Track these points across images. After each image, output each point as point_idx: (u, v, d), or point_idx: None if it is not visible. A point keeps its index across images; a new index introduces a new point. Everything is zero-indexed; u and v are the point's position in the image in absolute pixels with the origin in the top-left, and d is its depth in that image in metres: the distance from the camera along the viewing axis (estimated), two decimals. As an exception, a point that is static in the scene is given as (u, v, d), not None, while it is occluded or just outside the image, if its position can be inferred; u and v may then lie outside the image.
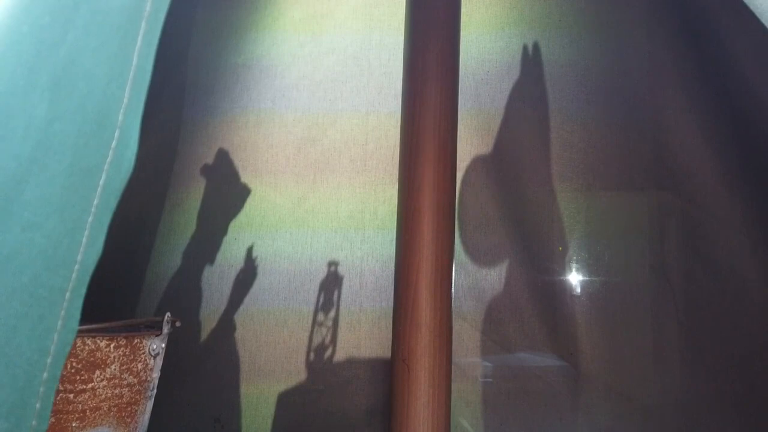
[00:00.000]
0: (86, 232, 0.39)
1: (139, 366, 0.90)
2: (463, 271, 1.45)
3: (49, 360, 0.37)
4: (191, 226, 1.46)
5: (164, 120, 1.48)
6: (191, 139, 1.49)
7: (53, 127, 0.38)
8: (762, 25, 0.60)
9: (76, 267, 0.38)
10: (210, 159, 1.47)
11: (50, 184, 0.38)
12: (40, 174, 0.37)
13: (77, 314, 0.39)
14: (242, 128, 1.48)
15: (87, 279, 0.39)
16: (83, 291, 0.39)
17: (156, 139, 1.45)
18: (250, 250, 1.45)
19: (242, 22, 1.51)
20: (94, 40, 0.40)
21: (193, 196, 1.46)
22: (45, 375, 0.37)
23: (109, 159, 0.40)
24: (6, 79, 0.37)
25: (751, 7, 0.51)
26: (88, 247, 0.39)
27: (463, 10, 1.30)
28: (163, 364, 1.03)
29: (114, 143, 0.40)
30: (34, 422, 0.36)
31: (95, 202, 0.39)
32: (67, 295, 0.38)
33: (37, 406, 0.36)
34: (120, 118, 0.41)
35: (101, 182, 0.40)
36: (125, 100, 0.41)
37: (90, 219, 0.39)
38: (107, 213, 0.40)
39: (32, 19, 0.38)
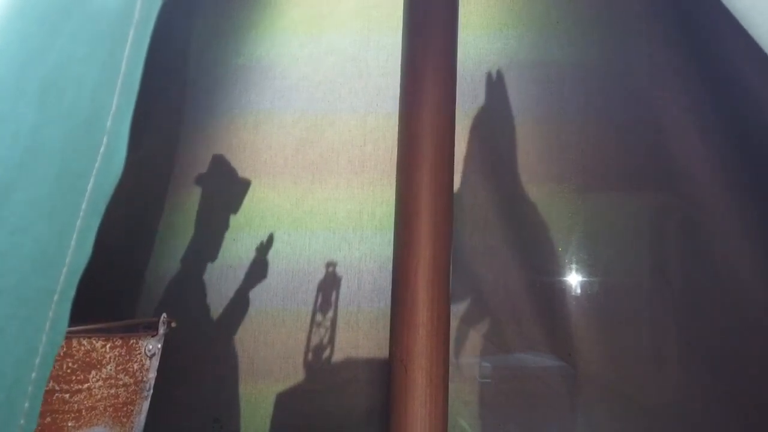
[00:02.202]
0: (74, 236, 0.40)
1: (135, 366, 0.91)
2: (461, 272, 1.45)
3: (37, 360, 0.38)
4: (190, 227, 1.47)
5: (164, 121, 1.48)
6: (191, 140, 1.50)
7: (41, 133, 0.39)
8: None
9: (65, 270, 0.39)
10: (209, 160, 1.48)
11: (38, 188, 0.38)
12: (28, 179, 0.38)
13: (66, 315, 0.40)
14: (241, 129, 1.49)
15: (75, 281, 0.40)
16: (72, 293, 0.40)
17: (156, 140, 1.46)
18: (248, 251, 1.46)
19: (242, 23, 1.52)
20: (83, 47, 0.40)
21: (192, 197, 1.47)
22: (34, 375, 0.38)
23: (97, 164, 0.41)
24: None
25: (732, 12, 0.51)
26: (76, 250, 0.40)
27: (461, 11, 1.31)
28: (162, 364, 1.04)
29: (102, 149, 0.41)
30: (22, 421, 0.37)
31: (83, 206, 0.40)
32: (56, 297, 0.39)
33: (26, 405, 0.37)
34: (108, 124, 0.41)
35: (89, 187, 0.40)
36: (114, 107, 0.42)
37: (78, 223, 0.40)
38: (96, 217, 0.41)
39: (20, 27, 0.38)
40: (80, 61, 0.40)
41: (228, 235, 1.46)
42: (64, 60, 0.39)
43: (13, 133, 0.37)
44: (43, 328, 0.38)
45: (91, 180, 0.40)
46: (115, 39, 0.42)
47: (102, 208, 0.41)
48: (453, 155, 1.25)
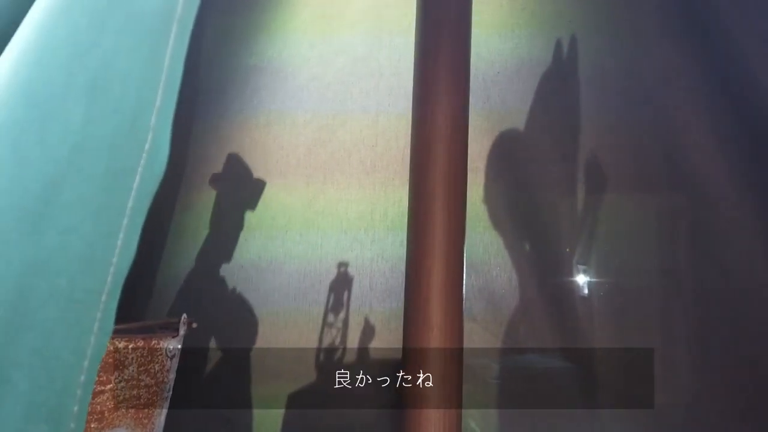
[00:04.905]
0: (121, 235, 0.39)
1: (156, 367, 0.90)
2: (474, 273, 1.44)
3: (86, 363, 0.37)
4: (202, 228, 1.46)
5: (176, 121, 1.47)
6: (202, 141, 1.49)
7: (89, 130, 0.38)
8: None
9: (112, 269, 0.39)
10: (221, 160, 1.48)
11: (87, 187, 0.38)
12: (76, 177, 0.37)
13: (112, 316, 0.39)
14: (253, 129, 1.49)
15: (121, 281, 0.39)
16: (118, 293, 0.39)
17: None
18: (260, 251, 1.45)
19: (253, 24, 1.51)
20: (128, 42, 0.40)
21: (203, 197, 1.47)
22: (82, 378, 0.37)
23: (142, 162, 0.40)
24: (44, 83, 0.38)
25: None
26: (122, 249, 0.39)
27: (474, 10, 1.30)
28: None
29: (147, 146, 0.40)
30: (72, 425, 0.36)
31: (129, 204, 0.39)
32: (103, 297, 0.38)
33: (75, 408, 0.36)
34: (153, 120, 0.41)
35: (135, 185, 0.40)
36: (158, 102, 0.41)
37: (125, 222, 0.39)
38: (141, 215, 0.40)
39: (69, 22, 0.38)
40: (126, 57, 0.39)
41: (240, 235, 1.46)
42: (111, 56, 0.39)
43: (62, 129, 0.37)
44: (92, 329, 0.37)
45: (137, 178, 0.40)
46: (159, 33, 0.41)
47: (147, 205, 0.41)
48: (466, 155, 1.24)
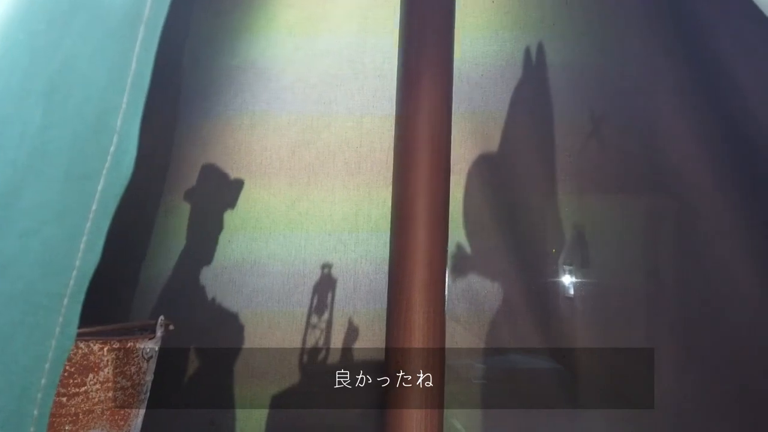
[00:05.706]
0: (84, 238, 0.39)
1: (133, 369, 0.90)
2: (457, 274, 1.45)
3: (47, 366, 0.37)
4: (185, 229, 1.45)
5: (158, 122, 1.47)
6: (185, 141, 1.48)
7: (49, 133, 0.38)
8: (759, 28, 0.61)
9: (74, 273, 0.38)
10: (204, 161, 1.47)
11: (47, 190, 0.37)
12: (36, 180, 0.37)
13: (75, 320, 0.39)
14: (236, 130, 1.48)
15: (85, 285, 0.39)
16: (81, 297, 0.39)
17: (150, 142, 1.44)
18: (243, 253, 1.45)
19: (237, 24, 1.51)
20: (91, 45, 0.40)
21: (187, 198, 1.46)
22: (43, 381, 0.37)
23: (107, 164, 0.40)
24: (0, 86, 0.37)
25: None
26: (86, 253, 0.39)
27: (457, 13, 1.31)
28: (156, 366, 1.03)
29: (112, 149, 0.40)
30: (32, 429, 0.36)
31: (93, 207, 0.39)
32: (65, 301, 0.38)
33: (35, 412, 0.36)
34: (118, 123, 0.41)
35: (99, 188, 0.40)
36: (123, 106, 0.41)
37: (88, 225, 0.39)
38: (105, 219, 0.40)
39: (28, 25, 0.38)
40: (88, 60, 0.39)
41: (223, 237, 1.45)
42: (72, 59, 0.38)
43: (20, 133, 0.37)
44: (53, 333, 0.37)
45: (102, 181, 0.39)
46: (125, 37, 0.41)
47: (112, 209, 0.41)
48: (449, 157, 1.24)
